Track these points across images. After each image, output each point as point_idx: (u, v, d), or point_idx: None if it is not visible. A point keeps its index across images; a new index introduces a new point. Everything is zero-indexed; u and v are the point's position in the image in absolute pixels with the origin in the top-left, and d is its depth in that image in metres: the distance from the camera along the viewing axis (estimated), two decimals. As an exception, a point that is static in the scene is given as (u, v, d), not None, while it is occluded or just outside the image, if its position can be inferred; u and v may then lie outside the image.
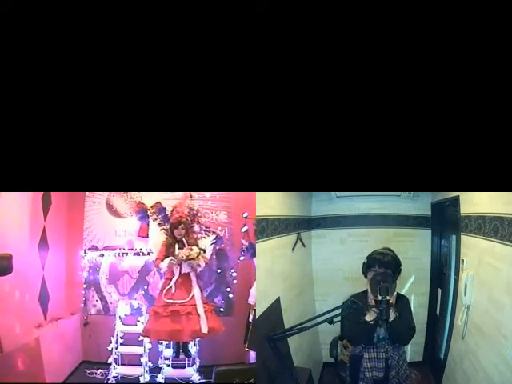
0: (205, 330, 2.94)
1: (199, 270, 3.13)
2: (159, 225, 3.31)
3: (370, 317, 1.94)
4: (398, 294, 2.06)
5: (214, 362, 3.21)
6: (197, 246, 3.15)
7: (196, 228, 3.31)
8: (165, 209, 3.39)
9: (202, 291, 3.21)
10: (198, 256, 3.07)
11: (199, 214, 3.40)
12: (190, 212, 3.33)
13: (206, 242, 3.27)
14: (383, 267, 1.99)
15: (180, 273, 3.08)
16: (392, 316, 1.91)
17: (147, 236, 3.55)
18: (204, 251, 3.16)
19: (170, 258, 3.07)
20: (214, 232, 3.46)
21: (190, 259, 3.04)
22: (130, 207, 3.79)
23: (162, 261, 3.10)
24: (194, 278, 3.11)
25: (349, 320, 2.01)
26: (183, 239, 3.15)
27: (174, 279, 3.06)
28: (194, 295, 3.04)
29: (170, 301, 3.01)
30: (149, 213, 3.41)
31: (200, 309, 2.99)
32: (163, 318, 2.99)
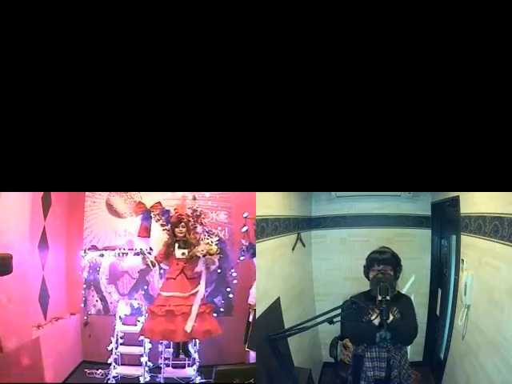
0: (188, 329, 2.93)
1: (212, 268, 3.14)
2: (162, 225, 3.32)
3: (372, 316, 1.94)
4: (400, 294, 2.06)
5: (214, 361, 3.21)
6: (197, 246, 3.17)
7: (199, 229, 3.32)
8: (168, 211, 3.39)
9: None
10: (216, 251, 3.09)
11: (202, 216, 3.41)
12: (194, 213, 3.34)
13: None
14: (382, 264, 2.00)
15: (179, 271, 3.09)
16: (392, 316, 1.91)
17: (148, 236, 3.57)
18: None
19: (142, 256, 3.13)
20: (217, 234, 3.47)
21: (210, 254, 3.05)
22: (130, 207, 3.79)
23: (161, 259, 3.15)
24: (204, 277, 3.12)
25: (350, 320, 2.01)
26: (184, 238, 3.17)
27: (174, 272, 3.09)
28: (194, 292, 3.06)
29: (167, 293, 3.03)
30: (152, 214, 3.41)
31: (195, 307, 3.00)
32: (158, 318, 2.99)
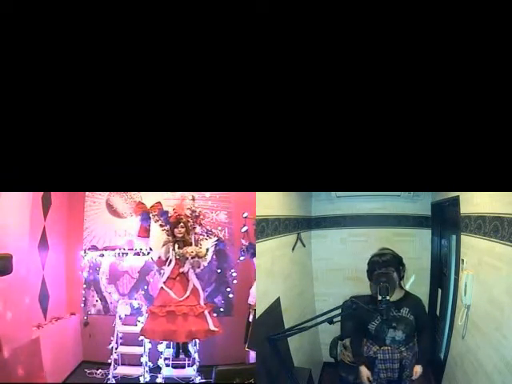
0: (212, 327, 3.04)
1: (197, 270, 3.17)
2: (161, 226, 3.32)
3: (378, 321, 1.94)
4: (409, 294, 2.05)
5: (214, 362, 3.21)
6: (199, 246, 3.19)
7: (198, 230, 3.32)
8: (167, 212, 3.40)
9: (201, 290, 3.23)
10: (205, 254, 3.13)
11: (201, 216, 3.41)
12: (192, 214, 3.35)
13: (207, 244, 3.29)
14: (384, 267, 1.99)
15: (179, 271, 3.11)
16: (404, 317, 1.89)
17: (147, 236, 3.56)
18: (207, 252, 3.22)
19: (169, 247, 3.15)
20: (216, 235, 3.48)
21: (198, 256, 3.08)
22: (130, 207, 3.79)
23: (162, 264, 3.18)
24: (193, 277, 3.15)
25: (352, 322, 2.02)
26: (184, 238, 3.18)
27: (170, 268, 3.12)
28: (190, 295, 3.08)
29: (168, 294, 3.05)
30: (151, 215, 3.42)
31: (203, 309, 3.04)
32: (159, 318, 3.01)
